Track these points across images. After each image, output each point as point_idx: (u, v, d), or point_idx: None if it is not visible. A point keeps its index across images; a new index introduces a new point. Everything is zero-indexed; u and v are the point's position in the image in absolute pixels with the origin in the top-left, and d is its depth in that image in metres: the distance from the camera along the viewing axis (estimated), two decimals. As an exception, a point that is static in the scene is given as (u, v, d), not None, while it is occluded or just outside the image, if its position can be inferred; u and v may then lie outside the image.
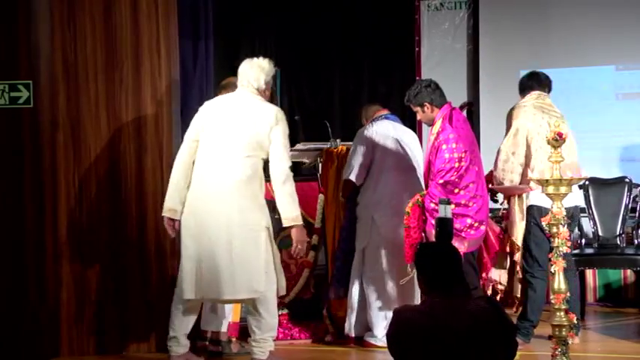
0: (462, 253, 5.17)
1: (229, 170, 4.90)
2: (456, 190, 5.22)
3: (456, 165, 5.20)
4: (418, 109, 5.49)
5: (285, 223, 4.98)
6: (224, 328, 5.42)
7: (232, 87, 5.26)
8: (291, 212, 4.95)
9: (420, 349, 3.34)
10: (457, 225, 5.14)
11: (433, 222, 5.15)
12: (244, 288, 4.87)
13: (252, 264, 4.87)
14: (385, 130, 5.70)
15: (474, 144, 5.38)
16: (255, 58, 5.12)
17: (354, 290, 5.62)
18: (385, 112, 5.90)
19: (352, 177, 5.62)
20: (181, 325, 5.03)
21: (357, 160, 5.63)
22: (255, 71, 5.06)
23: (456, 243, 5.18)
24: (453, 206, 5.01)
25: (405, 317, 3.45)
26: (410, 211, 5.30)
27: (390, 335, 3.49)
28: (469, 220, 5.23)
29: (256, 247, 4.89)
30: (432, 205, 5.20)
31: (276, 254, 5.02)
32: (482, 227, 5.28)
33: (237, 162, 4.90)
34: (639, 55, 8.05)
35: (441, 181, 5.21)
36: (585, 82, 8.22)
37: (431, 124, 5.45)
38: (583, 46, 8.17)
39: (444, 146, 5.23)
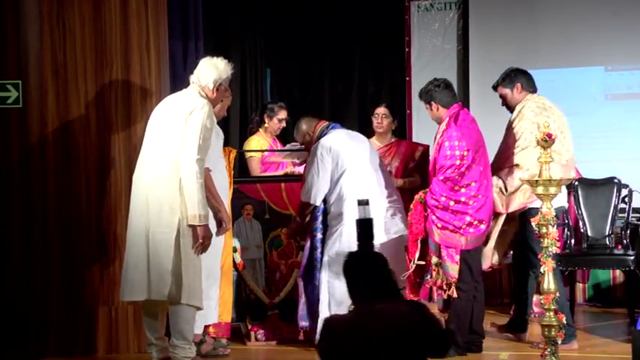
0: (459, 249, 5.23)
1: (149, 169, 4.89)
2: (457, 188, 5.27)
3: (457, 162, 5.26)
4: (427, 106, 5.54)
5: (188, 221, 4.81)
6: (195, 330, 5.36)
7: None
8: (191, 210, 4.78)
9: (348, 357, 3.37)
10: (456, 222, 5.25)
11: (433, 218, 5.27)
12: (154, 290, 4.83)
13: (162, 266, 4.81)
14: (342, 138, 5.59)
15: (481, 144, 5.39)
16: (215, 57, 5.11)
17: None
18: (327, 122, 5.78)
19: (316, 201, 5.51)
20: (149, 329, 5.02)
21: (316, 179, 5.47)
22: (205, 68, 5.03)
23: (454, 239, 5.22)
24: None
25: (332, 326, 3.48)
26: (412, 207, 5.39)
27: (319, 345, 3.53)
28: (468, 218, 5.28)
29: (166, 249, 4.81)
30: (433, 201, 5.28)
31: (190, 259, 4.85)
32: (483, 226, 5.32)
33: (155, 161, 4.88)
34: (628, 56, 8.08)
35: (442, 178, 5.29)
36: (574, 83, 8.25)
37: (439, 122, 5.49)
38: (573, 47, 8.20)
39: (446, 143, 5.30)
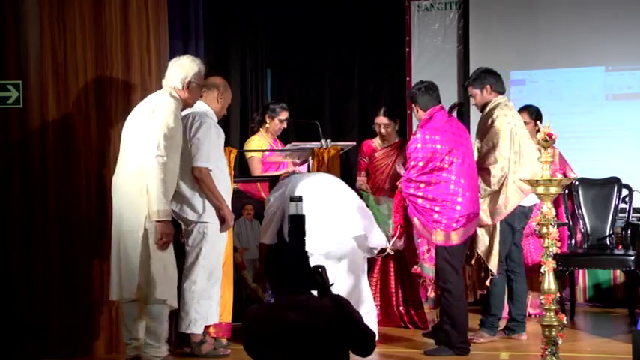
0: (435, 246, 5.41)
1: (121, 169, 5.01)
2: (422, 186, 5.39)
3: (420, 164, 5.36)
4: (413, 107, 5.66)
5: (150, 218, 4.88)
6: (196, 330, 5.38)
7: (209, 86, 5.46)
8: (151, 207, 4.86)
9: (267, 346, 3.46)
10: (423, 219, 5.39)
11: (412, 210, 5.44)
12: (125, 289, 4.93)
13: (130, 265, 4.90)
14: (292, 179, 5.62)
15: (455, 146, 5.40)
16: (183, 56, 5.22)
17: None
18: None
19: (266, 240, 5.60)
20: (125, 329, 5.10)
21: (266, 222, 5.57)
22: (172, 69, 5.14)
23: (426, 233, 5.41)
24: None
25: (252, 315, 3.56)
26: (395, 194, 5.77)
27: (243, 333, 3.62)
28: (436, 216, 5.35)
29: (134, 247, 4.89)
30: (405, 196, 5.48)
31: (158, 256, 4.90)
32: (455, 224, 5.35)
33: (125, 160, 4.99)
34: (629, 56, 8.07)
35: (406, 178, 5.45)
36: (575, 83, 8.25)
37: None
38: (573, 46, 8.19)
39: (412, 146, 5.43)
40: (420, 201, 5.38)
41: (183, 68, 5.11)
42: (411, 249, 6.09)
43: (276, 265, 3.61)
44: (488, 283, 5.71)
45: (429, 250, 5.49)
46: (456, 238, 5.37)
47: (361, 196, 6.76)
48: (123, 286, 4.94)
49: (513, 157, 5.59)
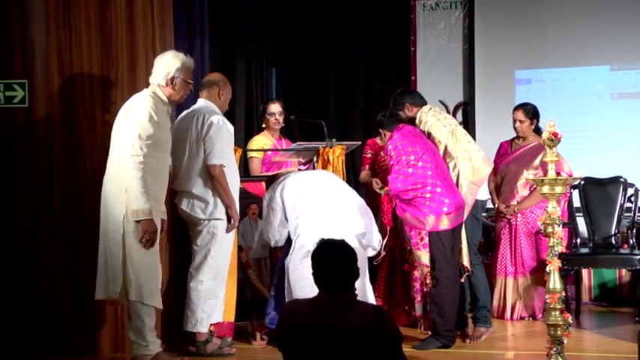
0: (427, 233, 5.55)
1: (107, 170, 5.01)
2: (410, 179, 5.57)
3: (403, 158, 5.62)
4: (380, 131, 5.93)
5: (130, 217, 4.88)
6: (202, 329, 5.39)
7: (209, 85, 5.50)
8: (130, 206, 4.86)
9: (300, 343, 3.41)
10: (413, 210, 5.58)
11: (400, 207, 5.64)
12: (110, 288, 4.93)
13: (114, 265, 4.91)
14: (292, 178, 5.62)
15: (427, 145, 5.65)
16: (167, 52, 5.22)
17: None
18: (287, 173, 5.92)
19: (270, 242, 5.65)
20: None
21: (266, 223, 5.57)
22: (156, 66, 5.14)
23: (417, 222, 5.57)
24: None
25: (290, 311, 3.54)
26: (382, 199, 6.13)
27: (276, 326, 3.62)
28: (427, 202, 5.53)
29: (116, 247, 4.90)
30: (393, 193, 5.70)
31: (135, 256, 4.89)
32: (445, 209, 5.50)
33: (110, 161, 5.01)
34: (634, 55, 8.07)
35: (392, 173, 5.67)
36: (580, 82, 8.24)
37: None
38: (578, 46, 8.19)
39: (390, 145, 5.71)
40: (410, 194, 5.55)
41: (165, 64, 5.11)
42: (405, 249, 6.15)
43: (323, 263, 3.52)
44: (463, 279, 5.76)
45: (422, 239, 5.56)
46: (447, 223, 5.51)
47: (367, 192, 6.77)
48: (109, 285, 4.94)
49: (462, 154, 5.73)
